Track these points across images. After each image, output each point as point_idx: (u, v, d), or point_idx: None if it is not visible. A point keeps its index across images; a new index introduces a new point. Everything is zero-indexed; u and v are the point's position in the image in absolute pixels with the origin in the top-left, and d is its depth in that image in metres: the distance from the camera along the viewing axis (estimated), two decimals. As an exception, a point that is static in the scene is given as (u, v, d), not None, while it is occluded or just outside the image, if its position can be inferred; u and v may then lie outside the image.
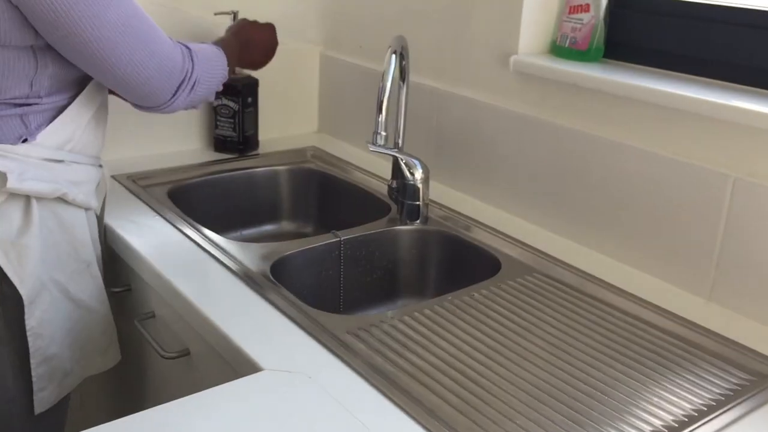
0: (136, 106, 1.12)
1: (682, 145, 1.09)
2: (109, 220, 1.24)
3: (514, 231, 1.29)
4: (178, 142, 1.65)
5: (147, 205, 1.34)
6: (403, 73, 1.30)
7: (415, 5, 1.49)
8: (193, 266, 1.13)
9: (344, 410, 0.81)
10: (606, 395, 0.87)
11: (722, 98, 1.04)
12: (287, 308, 1.01)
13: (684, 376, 0.91)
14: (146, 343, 1.16)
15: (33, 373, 1.08)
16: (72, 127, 1.08)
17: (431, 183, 1.50)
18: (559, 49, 1.30)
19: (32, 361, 1.08)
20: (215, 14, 1.57)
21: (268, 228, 1.63)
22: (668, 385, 0.90)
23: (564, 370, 0.91)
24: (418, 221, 1.34)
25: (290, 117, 1.81)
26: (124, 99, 1.12)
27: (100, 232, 1.20)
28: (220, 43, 1.27)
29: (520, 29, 1.28)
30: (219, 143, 1.67)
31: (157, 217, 1.29)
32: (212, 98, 1.22)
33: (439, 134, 1.49)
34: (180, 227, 1.25)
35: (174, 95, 1.09)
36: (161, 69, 1.05)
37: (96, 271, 1.16)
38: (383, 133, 1.14)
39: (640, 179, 1.14)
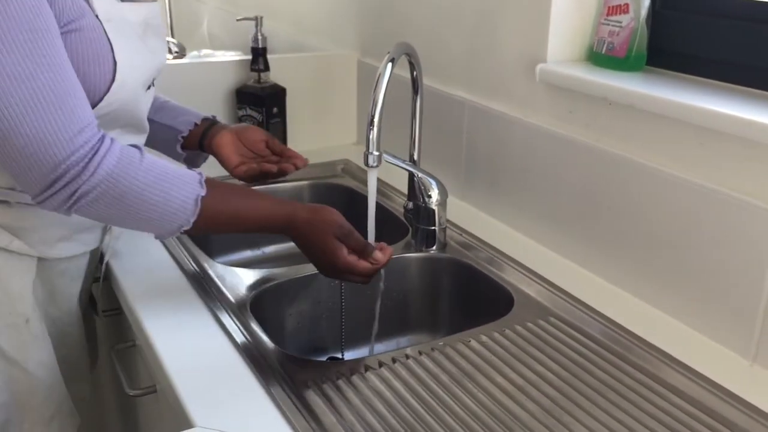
0: None
1: (725, 173, 0.91)
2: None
3: (536, 262, 1.13)
4: (206, 154, 1.58)
5: (147, 223, 1.27)
6: (415, 84, 1.17)
7: (446, 10, 1.35)
8: (170, 297, 1.04)
9: (268, 485, 0.70)
10: (596, 484, 0.71)
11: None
12: (250, 352, 0.91)
13: (703, 463, 0.74)
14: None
15: None
16: None
17: (461, 204, 1.36)
18: (596, 56, 1.13)
19: None
20: (237, 20, 1.49)
21: (291, 245, 1.53)
22: (680, 475, 0.72)
23: (552, 446, 0.76)
24: (433, 248, 1.20)
25: (326, 128, 1.71)
26: None
27: (85, 284, 1.09)
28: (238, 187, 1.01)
29: (548, 33, 1.12)
30: (245, 156, 1.58)
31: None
32: (162, 231, 0.90)
33: (470, 151, 1.35)
34: (173, 250, 1.16)
35: (44, 193, 0.83)
36: (24, 153, 0.80)
37: (39, 330, 1.00)
38: (376, 153, 1.01)
39: (678, 212, 0.96)
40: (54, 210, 0.85)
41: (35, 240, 0.97)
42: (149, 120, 1.11)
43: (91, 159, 0.83)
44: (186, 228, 0.90)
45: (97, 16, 0.90)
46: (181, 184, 0.88)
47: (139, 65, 0.97)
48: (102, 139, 0.85)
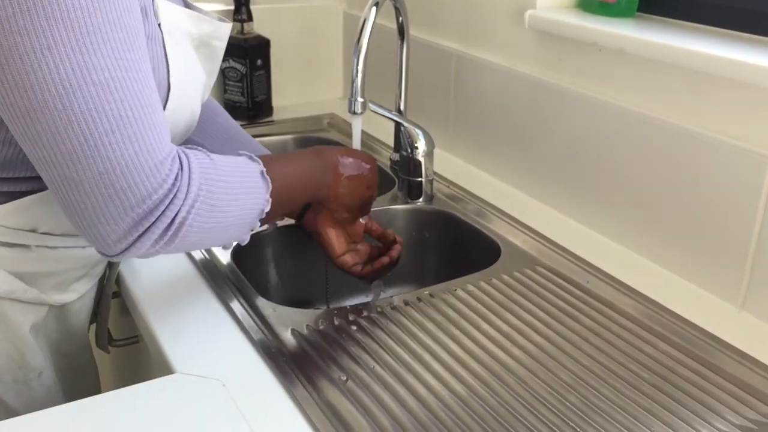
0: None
1: (715, 118, 0.89)
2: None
3: (523, 212, 1.12)
4: (188, 108, 1.55)
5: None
6: (401, 30, 1.15)
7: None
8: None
9: (244, 423, 0.69)
10: (581, 430, 0.71)
11: (762, 60, 0.83)
12: (231, 299, 0.89)
13: (689, 407, 0.73)
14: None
15: None
16: (41, 209, 0.78)
17: (448, 157, 1.35)
18: (586, 3, 1.11)
19: None
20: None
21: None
22: (666, 418, 0.72)
23: (538, 392, 0.75)
24: (420, 199, 1.18)
25: (312, 81, 1.68)
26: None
27: (102, 321, 0.97)
28: (282, 158, 0.85)
29: (538, -22, 1.09)
30: (229, 109, 1.54)
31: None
32: (244, 229, 0.79)
33: (457, 102, 1.32)
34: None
35: (132, 232, 0.67)
36: (107, 182, 0.64)
37: (52, 381, 0.87)
38: (360, 100, 0.99)
39: (667, 158, 0.94)
40: (141, 254, 0.69)
41: (49, 285, 0.84)
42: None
43: (180, 177, 0.68)
44: (266, 210, 0.78)
45: (159, 25, 0.74)
46: (243, 166, 0.76)
47: (192, 93, 0.82)
48: (178, 151, 0.70)
